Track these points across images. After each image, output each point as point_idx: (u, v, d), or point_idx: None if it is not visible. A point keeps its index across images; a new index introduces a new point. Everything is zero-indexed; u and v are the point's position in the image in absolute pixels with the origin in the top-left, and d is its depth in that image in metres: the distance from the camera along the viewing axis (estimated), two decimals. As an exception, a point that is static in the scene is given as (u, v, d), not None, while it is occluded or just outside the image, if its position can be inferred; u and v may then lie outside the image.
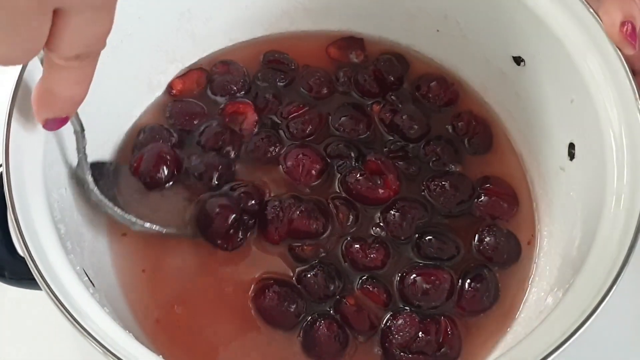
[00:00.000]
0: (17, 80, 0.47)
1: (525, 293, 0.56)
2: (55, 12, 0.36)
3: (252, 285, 0.55)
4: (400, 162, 0.60)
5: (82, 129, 0.51)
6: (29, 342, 0.60)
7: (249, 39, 0.68)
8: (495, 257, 0.57)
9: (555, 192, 0.58)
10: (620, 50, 0.49)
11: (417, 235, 0.57)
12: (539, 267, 0.57)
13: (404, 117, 0.62)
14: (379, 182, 0.58)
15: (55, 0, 0.35)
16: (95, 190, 0.54)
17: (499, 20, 0.57)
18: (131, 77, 0.61)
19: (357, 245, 0.56)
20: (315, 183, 0.59)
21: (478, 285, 0.55)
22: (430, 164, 0.61)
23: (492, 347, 0.54)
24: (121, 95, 0.60)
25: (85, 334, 0.40)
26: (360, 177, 0.58)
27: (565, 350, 0.41)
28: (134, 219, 0.55)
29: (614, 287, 0.43)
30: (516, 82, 0.60)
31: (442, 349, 0.53)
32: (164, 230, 0.56)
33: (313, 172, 0.59)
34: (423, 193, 0.59)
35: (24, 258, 0.42)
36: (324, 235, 0.57)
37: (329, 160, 0.60)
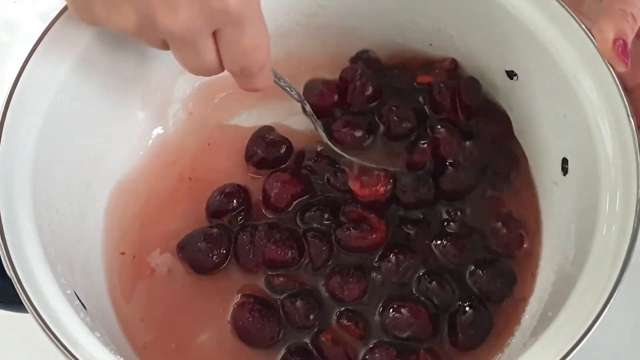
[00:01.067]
0: (5, 104, 0.47)
1: (520, 315, 0.55)
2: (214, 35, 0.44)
3: (235, 300, 0.56)
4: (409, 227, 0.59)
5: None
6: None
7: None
8: (491, 296, 0.56)
9: (550, 207, 0.58)
10: (612, 67, 0.49)
11: (420, 273, 0.56)
12: (533, 284, 0.57)
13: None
14: (366, 228, 0.57)
15: (210, 25, 0.43)
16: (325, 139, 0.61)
17: (492, 34, 0.57)
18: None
19: (336, 278, 0.55)
20: (290, 209, 0.59)
21: (468, 324, 0.54)
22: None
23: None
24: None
25: (73, 360, 0.40)
26: (348, 231, 0.57)
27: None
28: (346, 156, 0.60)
29: (610, 303, 0.43)
30: (510, 96, 0.60)
31: (421, 383, 0.52)
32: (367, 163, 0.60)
33: (285, 196, 0.58)
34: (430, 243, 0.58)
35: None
36: (300, 264, 0.57)
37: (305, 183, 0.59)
